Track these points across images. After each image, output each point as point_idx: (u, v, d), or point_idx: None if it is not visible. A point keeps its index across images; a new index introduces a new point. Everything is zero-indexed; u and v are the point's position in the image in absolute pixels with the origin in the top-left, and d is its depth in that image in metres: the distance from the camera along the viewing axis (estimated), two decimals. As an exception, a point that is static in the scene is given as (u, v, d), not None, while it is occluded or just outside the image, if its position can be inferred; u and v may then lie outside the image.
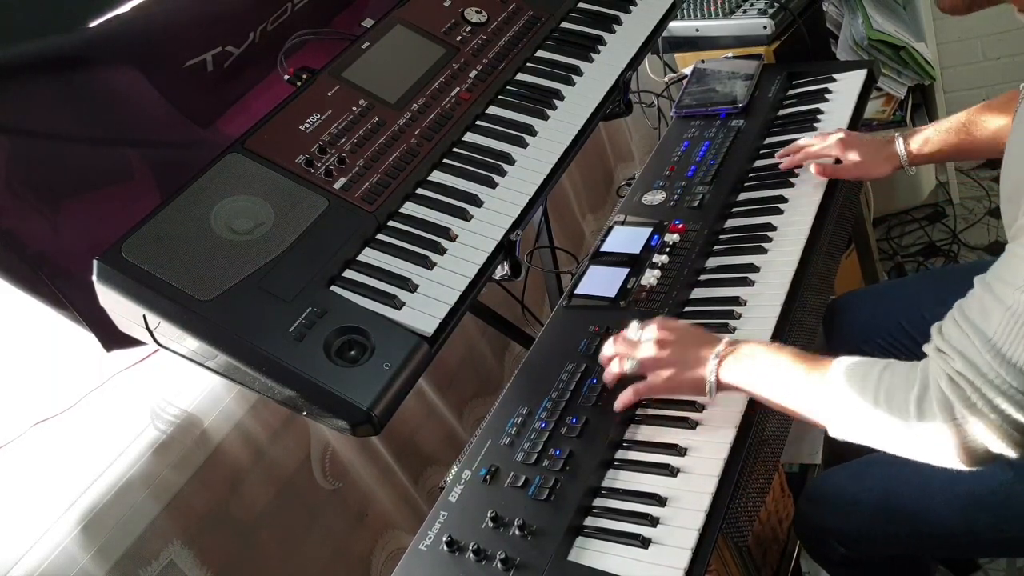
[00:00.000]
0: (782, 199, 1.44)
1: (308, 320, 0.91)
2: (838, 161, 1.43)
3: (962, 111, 1.35)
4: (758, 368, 1.00)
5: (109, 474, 1.18)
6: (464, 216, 1.08)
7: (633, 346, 1.10)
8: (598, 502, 1.05)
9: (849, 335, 1.49)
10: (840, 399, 0.91)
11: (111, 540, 1.15)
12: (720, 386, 1.03)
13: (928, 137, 1.38)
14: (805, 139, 1.48)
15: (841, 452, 1.30)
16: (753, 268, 1.31)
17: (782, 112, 1.66)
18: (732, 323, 1.22)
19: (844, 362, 0.92)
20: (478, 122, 1.21)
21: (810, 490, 1.28)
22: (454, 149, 1.17)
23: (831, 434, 0.94)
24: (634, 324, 1.12)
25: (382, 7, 1.30)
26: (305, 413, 0.90)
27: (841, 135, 1.43)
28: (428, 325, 0.94)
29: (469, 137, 1.19)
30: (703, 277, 1.34)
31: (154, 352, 1.16)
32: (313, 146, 1.08)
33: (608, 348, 1.14)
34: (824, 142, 1.44)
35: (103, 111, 1.07)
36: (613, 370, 1.12)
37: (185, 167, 1.04)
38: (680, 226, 1.41)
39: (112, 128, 1.10)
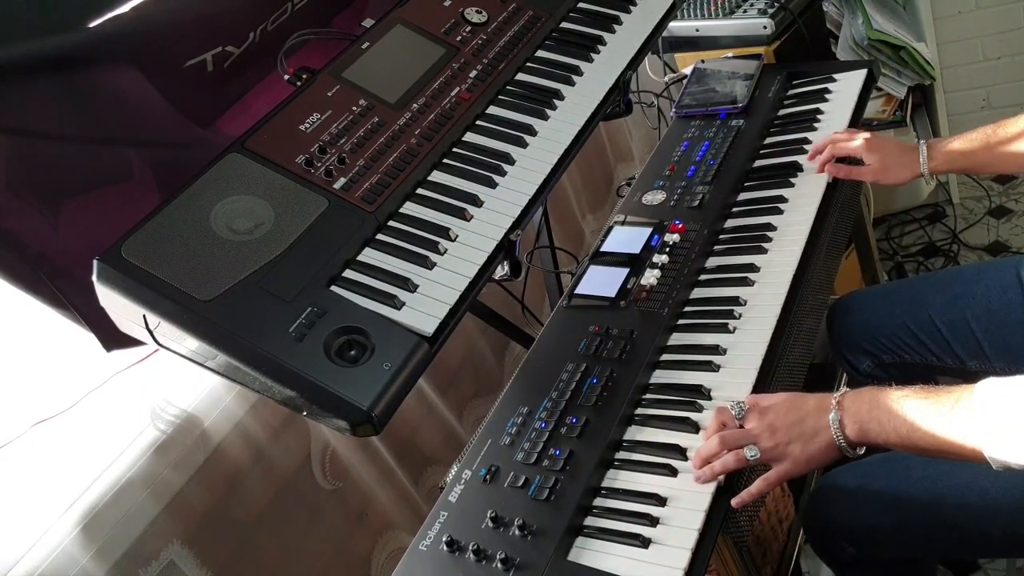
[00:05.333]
0: (782, 199, 1.44)
1: (308, 320, 0.91)
2: (857, 161, 1.42)
3: (988, 125, 1.32)
4: (886, 415, 0.94)
5: (109, 474, 1.18)
6: (464, 216, 1.08)
7: (744, 436, 1.01)
8: (598, 502, 1.05)
9: (853, 335, 1.48)
10: (1000, 419, 0.86)
11: (111, 540, 1.15)
12: (852, 444, 0.97)
13: (952, 148, 1.35)
14: (833, 134, 1.47)
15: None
16: (753, 268, 1.31)
17: (782, 112, 1.67)
18: (732, 323, 1.22)
19: (991, 383, 0.88)
20: (478, 122, 1.21)
21: (818, 489, 1.28)
22: (454, 149, 1.17)
23: (988, 456, 0.87)
24: (729, 412, 1.04)
25: (382, 7, 1.30)
26: (305, 413, 0.90)
27: (867, 135, 1.42)
28: (428, 325, 0.94)
29: (469, 137, 1.19)
30: (703, 277, 1.34)
31: (154, 352, 1.16)
32: (313, 146, 1.08)
33: (711, 444, 1.03)
34: (851, 140, 1.43)
35: (103, 111, 1.07)
36: (728, 465, 1.01)
37: (185, 167, 1.04)
38: (680, 226, 1.41)
39: (112, 128, 1.10)
